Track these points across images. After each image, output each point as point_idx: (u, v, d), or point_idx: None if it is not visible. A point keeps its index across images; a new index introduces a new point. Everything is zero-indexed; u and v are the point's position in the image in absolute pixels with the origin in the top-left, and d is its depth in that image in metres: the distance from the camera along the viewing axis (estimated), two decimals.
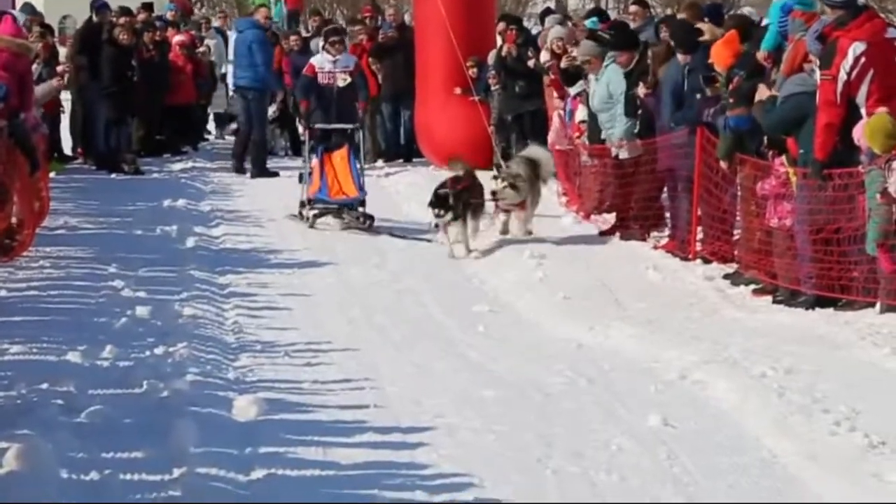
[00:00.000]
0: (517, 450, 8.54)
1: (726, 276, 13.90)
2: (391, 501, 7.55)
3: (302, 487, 7.81)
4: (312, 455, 8.41)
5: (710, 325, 12.11)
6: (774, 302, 12.75)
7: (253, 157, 23.05)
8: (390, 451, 8.52)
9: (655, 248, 15.74)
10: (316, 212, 17.54)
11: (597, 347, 11.34)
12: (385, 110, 23.76)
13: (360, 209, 17.40)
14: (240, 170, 23.20)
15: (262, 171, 22.80)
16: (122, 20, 23.15)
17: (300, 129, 23.20)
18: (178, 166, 23.92)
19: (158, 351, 10.98)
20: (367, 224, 17.17)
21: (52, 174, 19.43)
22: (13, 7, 22.72)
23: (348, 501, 7.59)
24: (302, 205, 17.75)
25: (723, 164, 13.72)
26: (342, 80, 17.79)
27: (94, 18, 23.75)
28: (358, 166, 17.58)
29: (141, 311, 12.48)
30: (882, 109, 11.42)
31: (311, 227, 17.38)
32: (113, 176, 22.49)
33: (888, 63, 11.87)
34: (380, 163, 23.38)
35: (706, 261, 14.58)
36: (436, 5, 20.24)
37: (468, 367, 10.86)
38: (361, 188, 17.32)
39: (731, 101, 13.35)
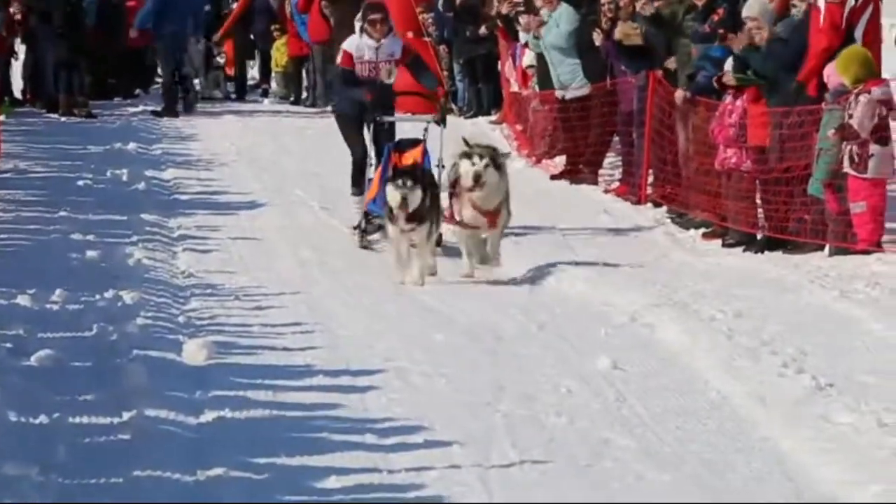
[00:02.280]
0: (467, 393, 8.54)
1: (676, 220, 13.99)
2: (340, 442, 7.55)
3: (251, 430, 7.79)
4: (262, 398, 8.38)
5: (661, 268, 12.25)
6: (724, 245, 12.85)
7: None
8: (340, 395, 8.51)
9: (606, 191, 15.83)
10: (366, 227, 13.35)
11: (548, 291, 11.47)
12: (319, 56, 23.65)
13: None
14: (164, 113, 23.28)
15: (167, 111, 23.18)
16: None
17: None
18: (129, 110, 23.87)
19: (108, 295, 10.95)
20: (438, 243, 12.55)
21: (1, 117, 19.36)
22: None
23: (298, 444, 7.53)
24: (367, 223, 13.41)
25: (678, 97, 13.84)
26: (388, 75, 13.23)
27: None
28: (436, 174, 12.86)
29: (91, 254, 12.54)
30: None
31: (364, 247, 13.24)
32: (64, 119, 22.52)
33: None
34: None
35: (657, 204, 14.76)
36: None
37: (420, 310, 10.92)
38: None
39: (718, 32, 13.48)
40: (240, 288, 11.59)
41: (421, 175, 11.67)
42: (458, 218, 11.81)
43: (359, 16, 14.00)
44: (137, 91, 25.27)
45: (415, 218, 11.28)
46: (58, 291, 10.92)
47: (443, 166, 12.72)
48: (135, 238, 13.37)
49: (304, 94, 25.37)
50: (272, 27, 25.77)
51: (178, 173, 17.86)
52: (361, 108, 13.20)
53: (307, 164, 18.57)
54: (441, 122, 13.20)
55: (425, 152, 12.81)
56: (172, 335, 9.90)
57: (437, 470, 6.96)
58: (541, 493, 6.81)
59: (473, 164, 11.39)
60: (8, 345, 9.21)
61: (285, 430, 7.92)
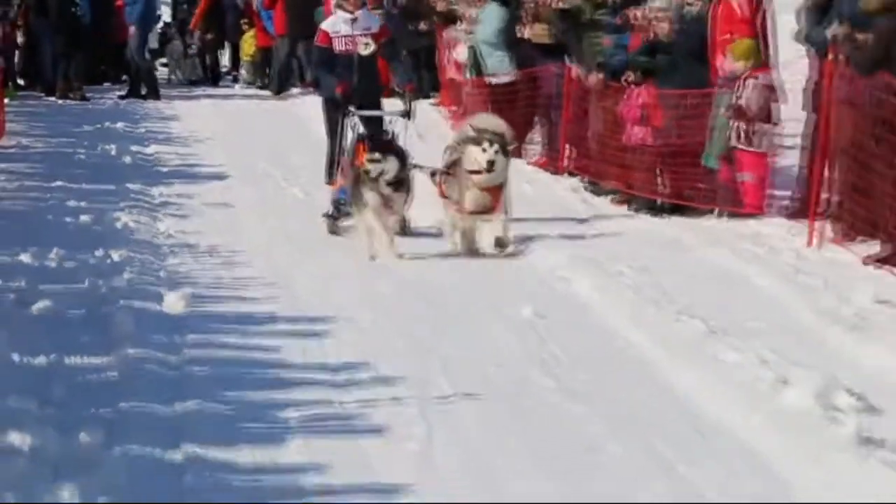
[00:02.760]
0: (410, 338, 8.59)
1: (590, 188, 14.04)
2: (299, 379, 7.62)
3: (222, 369, 7.87)
4: (232, 341, 8.44)
5: (577, 230, 12.23)
6: (630, 210, 12.94)
7: None
8: (299, 339, 8.54)
9: (529, 164, 15.85)
10: (335, 213, 12.23)
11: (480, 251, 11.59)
12: (282, 46, 23.48)
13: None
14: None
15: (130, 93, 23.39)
16: None
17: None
18: (117, 93, 23.78)
19: (99, 253, 10.98)
20: (405, 230, 11.70)
21: (6, 100, 19.20)
22: None
23: (262, 381, 7.61)
24: (337, 210, 12.42)
25: (591, 81, 13.93)
26: (364, 47, 11.79)
27: None
28: None
29: (83, 218, 12.58)
30: None
31: (332, 232, 12.11)
32: (61, 102, 22.46)
33: None
34: (295, 90, 23.28)
35: (573, 175, 14.81)
36: None
37: (370, 268, 10.89)
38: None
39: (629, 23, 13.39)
40: (213, 247, 11.53)
41: (398, 148, 10.70)
42: (458, 201, 10.51)
43: None
44: (125, 77, 25.15)
45: (394, 184, 10.34)
46: (55, 250, 10.90)
47: (418, 166, 11.36)
48: (122, 204, 13.34)
49: (269, 81, 25.17)
50: (241, 21, 25.67)
51: (159, 148, 17.79)
52: (345, 98, 11.66)
53: (271, 141, 18.38)
54: (407, 115, 11.81)
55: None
56: (154, 288, 9.89)
57: (382, 403, 7.05)
58: (472, 423, 6.86)
59: (484, 151, 10.01)
60: (11, 296, 9.30)
61: (251, 369, 7.98)
